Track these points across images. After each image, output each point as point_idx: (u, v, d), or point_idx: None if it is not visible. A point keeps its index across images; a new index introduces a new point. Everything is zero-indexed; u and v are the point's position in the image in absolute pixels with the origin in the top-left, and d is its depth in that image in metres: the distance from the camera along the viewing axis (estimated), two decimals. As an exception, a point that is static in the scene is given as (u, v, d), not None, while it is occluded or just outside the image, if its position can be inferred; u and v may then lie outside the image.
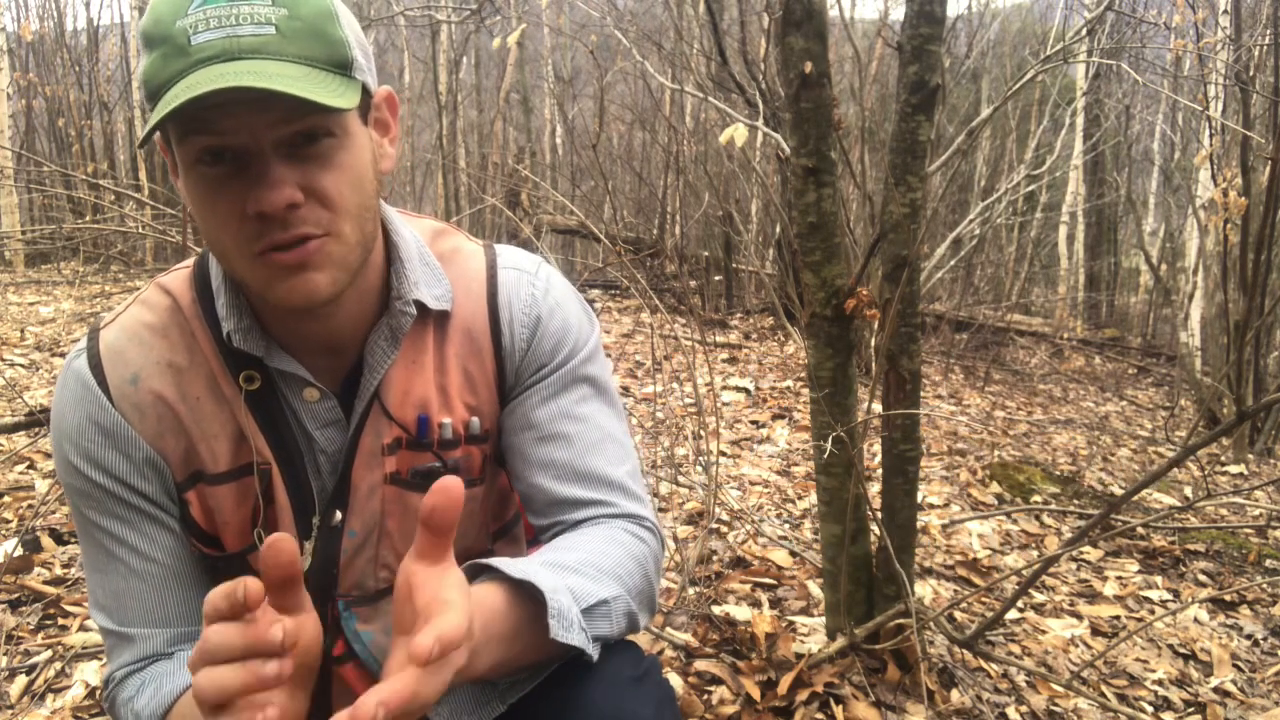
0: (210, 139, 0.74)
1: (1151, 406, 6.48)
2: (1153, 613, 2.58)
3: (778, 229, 6.99)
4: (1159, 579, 2.83)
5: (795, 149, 1.67)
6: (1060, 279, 11.26)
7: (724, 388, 4.83)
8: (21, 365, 4.20)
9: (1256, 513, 3.61)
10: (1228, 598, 2.70)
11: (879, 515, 1.84)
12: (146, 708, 0.84)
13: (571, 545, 0.88)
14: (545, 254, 4.22)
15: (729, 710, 1.74)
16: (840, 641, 1.86)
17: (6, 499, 2.59)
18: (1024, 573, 2.38)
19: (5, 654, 1.88)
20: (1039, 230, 10.80)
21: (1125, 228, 12.38)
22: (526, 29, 6.94)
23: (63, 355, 3.77)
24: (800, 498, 3.19)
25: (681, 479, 3.09)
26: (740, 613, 2.16)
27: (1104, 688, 2.10)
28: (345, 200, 0.79)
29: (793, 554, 2.56)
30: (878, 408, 1.89)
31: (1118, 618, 2.52)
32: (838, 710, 1.75)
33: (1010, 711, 1.90)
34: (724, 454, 3.60)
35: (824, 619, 2.07)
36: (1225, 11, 5.76)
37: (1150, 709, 2.05)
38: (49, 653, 1.89)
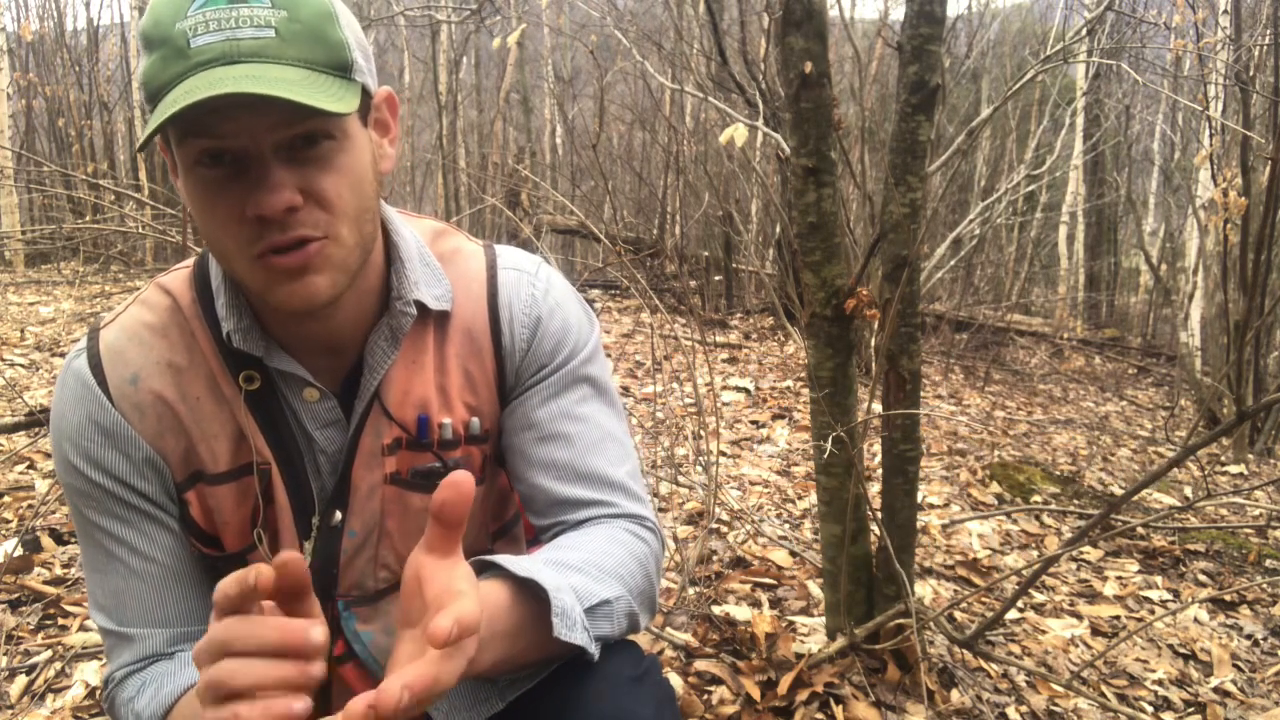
0: (210, 142, 0.74)
1: (1151, 406, 6.48)
2: (1153, 613, 2.58)
3: (778, 229, 6.99)
4: (1159, 579, 2.83)
5: (795, 149, 1.67)
6: (1060, 279, 11.26)
7: (724, 388, 4.83)
8: (21, 365, 4.20)
9: (1256, 513, 3.61)
10: (1228, 598, 2.70)
11: (879, 515, 1.84)
12: (147, 708, 0.84)
13: (574, 545, 0.88)
14: (545, 254, 4.22)
15: (729, 710, 1.74)
16: (840, 641, 1.86)
17: (6, 499, 2.59)
18: (1024, 573, 2.38)
19: (5, 654, 1.88)
20: (1039, 230, 10.80)
21: (1125, 228, 12.38)
22: (526, 29, 6.94)
23: (63, 355, 3.77)
24: (800, 498, 3.19)
25: (681, 479, 3.09)
26: (740, 613, 2.16)
27: (1104, 688, 2.10)
28: (344, 203, 0.79)
29: (793, 554, 2.56)
30: (878, 408, 1.89)
31: (1118, 618, 2.52)
32: (838, 710, 1.75)
33: (1010, 711, 1.90)
34: (724, 454, 3.60)
35: (824, 619, 2.07)
36: (1225, 11, 5.76)
37: (1150, 709, 2.05)
38: (49, 653, 1.89)
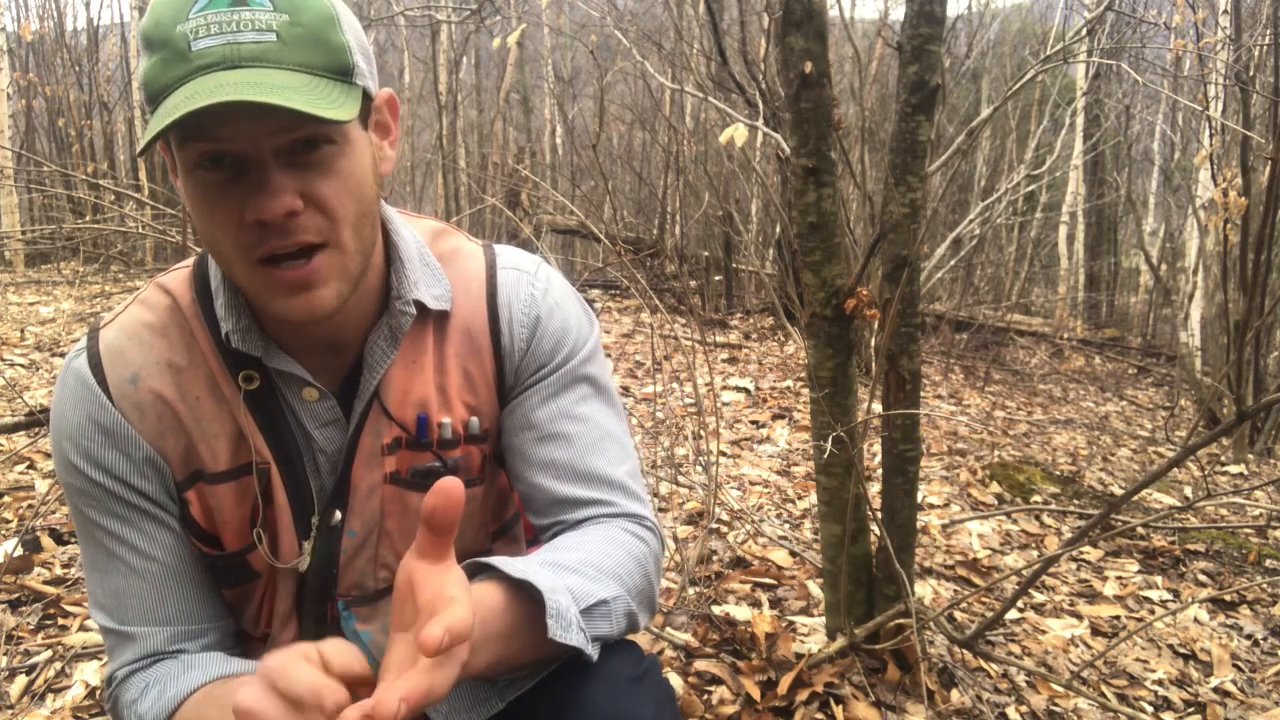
0: (210, 145, 0.74)
1: (1151, 406, 6.48)
2: (1153, 613, 2.58)
3: (778, 229, 6.99)
4: (1159, 579, 2.83)
5: (795, 149, 1.67)
6: (1060, 279, 11.26)
7: (724, 388, 4.83)
8: (21, 365, 4.20)
9: (1256, 513, 3.61)
10: (1228, 598, 2.70)
11: (879, 515, 1.84)
12: (150, 711, 0.84)
13: (571, 545, 0.88)
14: (545, 254, 4.22)
15: (729, 710, 1.74)
16: (840, 641, 1.86)
17: (6, 499, 2.59)
18: (1024, 573, 2.38)
19: (5, 654, 1.88)
20: (1039, 230, 10.80)
21: (1125, 228, 12.38)
22: (526, 29, 6.94)
23: (63, 355, 3.77)
24: (800, 498, 3.19)
25: (681, 479, 3.09)
26: (740, 613, 2.16)
27: (1104, 688, 2.10)
28: (345, 207, 0.79)
29: (793, 554, 2.56)
30: (878, 408, 1.89)
31: (1118, 618, 2.52)
32: (838, 710, 1.75)
33: (1010, 711, 1.90)
34: (724, 454, 3.60)
35: (824, 619, 2.07)
36: (1225, 11, 5.76)
37: (1150, 709, 2.05)
38: (49, 653, 1.89)
